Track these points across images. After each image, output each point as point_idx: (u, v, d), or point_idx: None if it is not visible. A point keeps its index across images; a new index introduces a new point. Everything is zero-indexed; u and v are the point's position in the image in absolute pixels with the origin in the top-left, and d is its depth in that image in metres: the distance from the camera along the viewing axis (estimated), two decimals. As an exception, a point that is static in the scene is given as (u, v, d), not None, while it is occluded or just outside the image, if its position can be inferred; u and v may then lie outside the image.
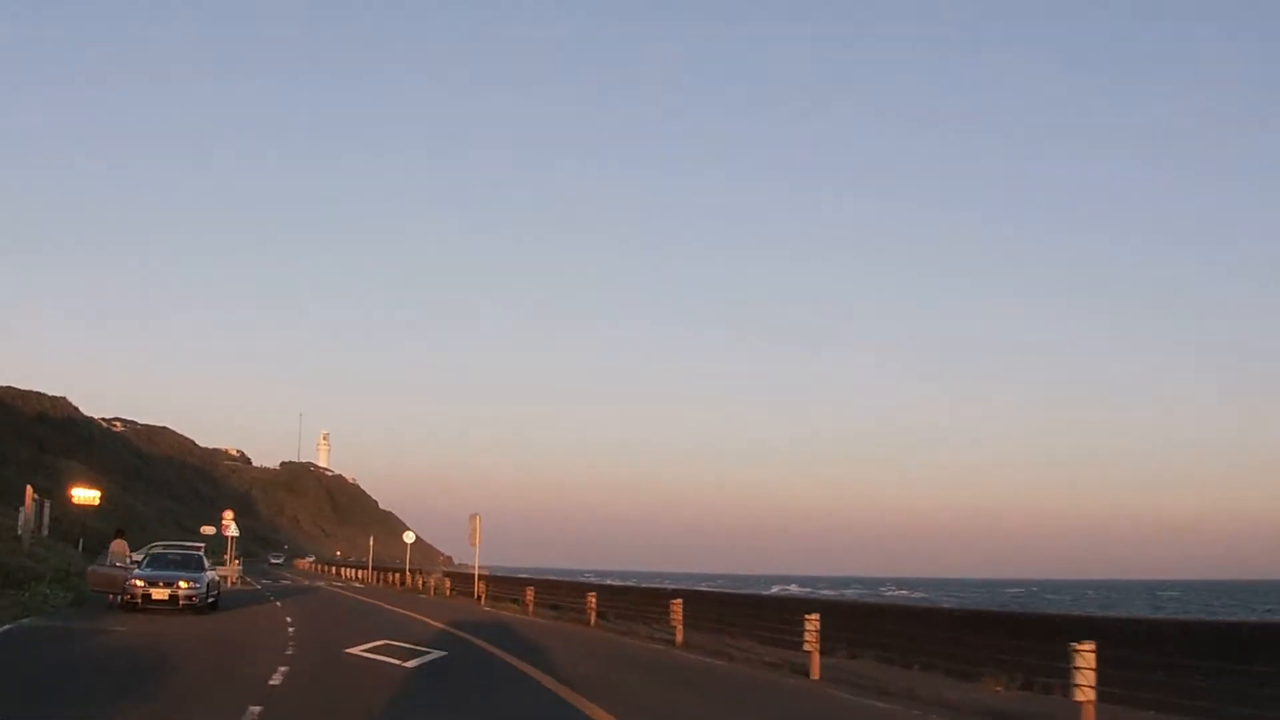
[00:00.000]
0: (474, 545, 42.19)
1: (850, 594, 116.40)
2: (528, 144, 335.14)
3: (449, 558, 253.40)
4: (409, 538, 56.97)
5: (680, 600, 21.49)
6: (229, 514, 57.89)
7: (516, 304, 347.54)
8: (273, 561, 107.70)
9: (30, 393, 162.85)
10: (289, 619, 24.46)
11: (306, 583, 56.65)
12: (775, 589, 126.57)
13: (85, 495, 43.23)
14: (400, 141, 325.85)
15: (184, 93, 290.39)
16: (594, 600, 26.32)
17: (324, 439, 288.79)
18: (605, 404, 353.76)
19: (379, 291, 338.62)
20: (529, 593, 31.48)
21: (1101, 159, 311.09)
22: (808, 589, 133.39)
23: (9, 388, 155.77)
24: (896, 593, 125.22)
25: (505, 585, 39.33)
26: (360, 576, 65.30)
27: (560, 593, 34.58)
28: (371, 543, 69.90)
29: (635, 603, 28.79)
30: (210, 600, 26.50)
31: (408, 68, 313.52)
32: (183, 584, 24.44)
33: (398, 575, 54.78)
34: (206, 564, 26.95)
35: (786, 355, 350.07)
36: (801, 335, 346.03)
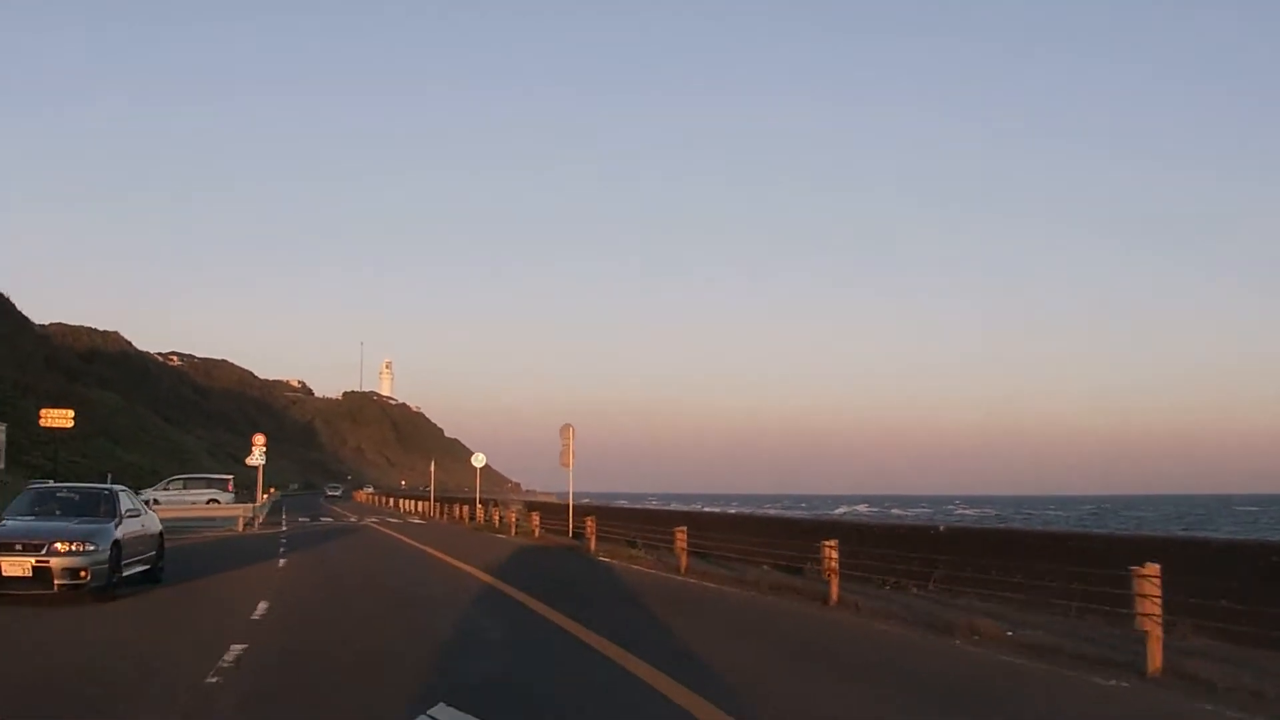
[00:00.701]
0: (566, 465, 30.53)
1: (918, 513, 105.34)
2: (593, 79, 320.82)
3: (516, 484, 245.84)
4: (479, 460, 45.21)
5: (1157, 569, 9.01)
6: (259, 439, 46.93)
7: (577, 231, 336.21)
8: (329, 493, 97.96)
9: (80, 328, 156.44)
10: (261, 609, 12.57)
11: (354, 519, 45.52)
12: (841, 510, 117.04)
13: (57, 415, 32.11)
14: (453, 79, 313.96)
15: (247, 33, 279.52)
16: (834, 557, 13.88)
17: (386, 367, 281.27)
18: (667, 331, 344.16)
19: (436, 219, 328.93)
20: (680, 537, 19.12)
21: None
22: (876, 509, 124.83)
23: (59, 324, 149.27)
24: (966, 512, 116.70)
25: (621, 520, 27.14)
26: (421, 509, 54.17)
27: (713, 531, 22.38)
28: (433, 469, 58.51)
29: (894, 547, 16.38)
30: (142, 568, 14.91)
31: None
32: (61, 547, 12.68)
33: (466, 508, 43.24)
34: (127, 506, 15.05)
35: (839, 282, 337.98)
36: (864, 266, 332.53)
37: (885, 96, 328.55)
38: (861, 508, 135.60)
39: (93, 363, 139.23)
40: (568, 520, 30.51)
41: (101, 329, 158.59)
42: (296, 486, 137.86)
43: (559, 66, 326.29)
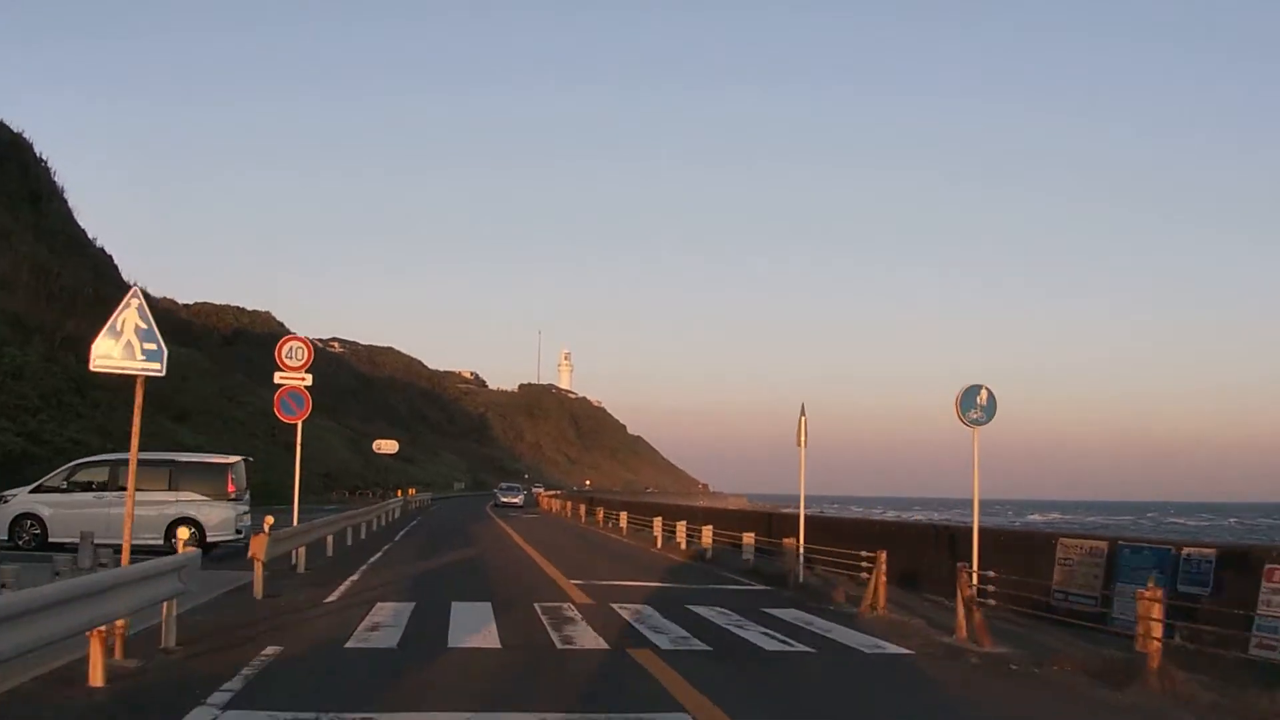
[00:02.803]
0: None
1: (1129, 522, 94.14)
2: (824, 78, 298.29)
3: (704, 485, 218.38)
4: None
5: None
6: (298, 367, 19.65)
7: (767, 233, 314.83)
8: (503, 499, 68.89)
9: (226, 307, 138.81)
10: None
11: (574, 613, 16.96)
12: (1032, 516, 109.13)
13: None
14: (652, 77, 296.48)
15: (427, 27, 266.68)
16: None
17: (565, 359, 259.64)
18: (850, 335, 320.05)
19: (616, 210, 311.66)
20: None
21: None
22: (1068, 516, 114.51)
23: (204, 303, 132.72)
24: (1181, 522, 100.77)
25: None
26: (708, 542, 25.15)
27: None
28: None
29: None
30: None
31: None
32: None
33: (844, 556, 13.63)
34: None
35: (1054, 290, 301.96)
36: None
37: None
38: (1054, 515, 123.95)
39: (235, 344, 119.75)
40: None
41: (250, 308, 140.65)
42: (462, 486, 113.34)
43: (764, 64, 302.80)
